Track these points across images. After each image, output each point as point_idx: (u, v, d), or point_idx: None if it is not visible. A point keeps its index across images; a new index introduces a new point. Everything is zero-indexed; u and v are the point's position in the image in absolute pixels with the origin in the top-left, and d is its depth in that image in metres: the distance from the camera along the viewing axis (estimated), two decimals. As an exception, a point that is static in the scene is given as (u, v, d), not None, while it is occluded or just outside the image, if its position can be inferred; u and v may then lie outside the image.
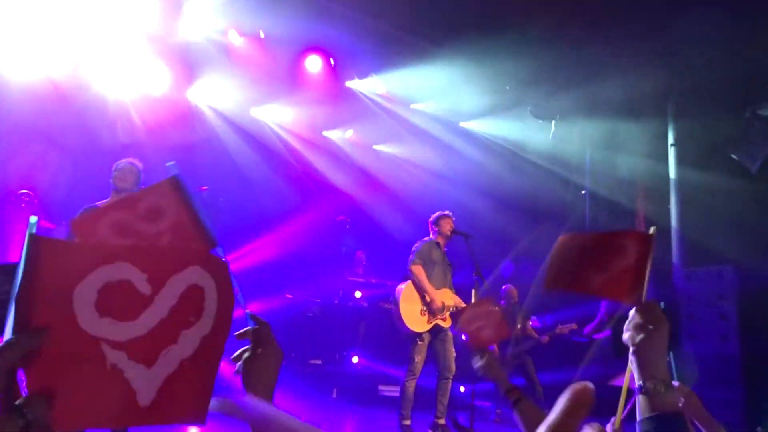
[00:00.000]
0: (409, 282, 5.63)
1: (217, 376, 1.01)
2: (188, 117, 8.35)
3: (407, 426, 5.49)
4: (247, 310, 1.23)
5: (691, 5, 6.52)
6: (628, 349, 1.48)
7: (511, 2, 7.20)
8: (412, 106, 9.72)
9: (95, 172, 5.64)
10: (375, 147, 10.49)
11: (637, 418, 1.27)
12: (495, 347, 3.07)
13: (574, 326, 7.61)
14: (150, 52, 7.46)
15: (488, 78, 8.25)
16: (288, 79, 8.59)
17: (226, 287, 1.07)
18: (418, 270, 5.58)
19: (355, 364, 8.41)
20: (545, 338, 7.73)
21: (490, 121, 9.84)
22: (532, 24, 7.07)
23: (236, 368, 1.19)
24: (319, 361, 8.50)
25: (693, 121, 8.28)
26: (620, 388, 1.55)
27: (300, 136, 9.60)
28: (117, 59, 7.29)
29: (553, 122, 9.52)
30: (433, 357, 5.64)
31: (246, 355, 1.20)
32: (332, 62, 8.71)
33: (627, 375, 1.55)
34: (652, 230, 1.47)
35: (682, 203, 8.72)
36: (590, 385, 0.68)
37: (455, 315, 5.54)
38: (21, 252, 0.85)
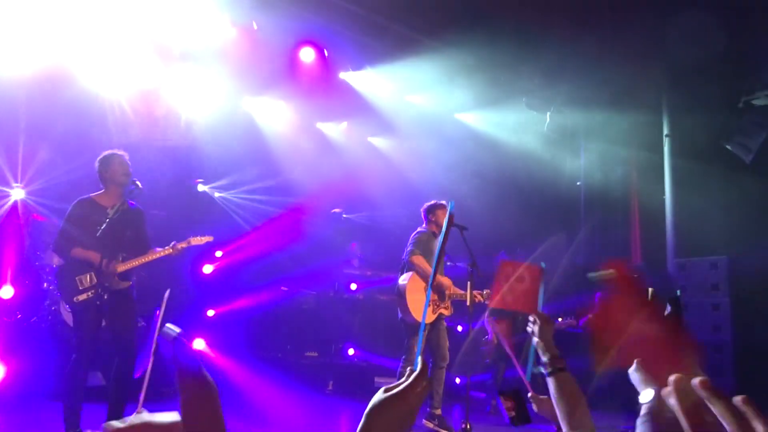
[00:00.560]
0: (412, 273, 5.60)
1: None
2: (179, 107, 8.29)
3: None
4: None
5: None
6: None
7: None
8: (406, 97, 9.69)
9: (84, 163, 5.60)
10: (369, 139, 10.46)
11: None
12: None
13: (574, 323, 7.66)
14: (142, 45, 7.39)
15: (483, 69, 8.23)
16: (281, 70, 8.53)
17: None
18: (419, 260, 5.57)
19: (351, 356, 8.43)
20: None
21: (485, 112, 9.82)
22: (527, 15, 7.04)
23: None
24: (314, 354, 8.51)
25: (687, 112, 8.28)
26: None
27: (293, 128, 9.55)
28: (106, 51, 7.22)
29: (548, 114, 9.52)
30: (428, 346, 5.65)
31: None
32: (326, 54, 8.66)
33: None
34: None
35: (676, 194, 8.74)
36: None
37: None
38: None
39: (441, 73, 8.57)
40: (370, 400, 1.15)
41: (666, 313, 1.91)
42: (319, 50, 8.62)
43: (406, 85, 9.29)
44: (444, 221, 5.75)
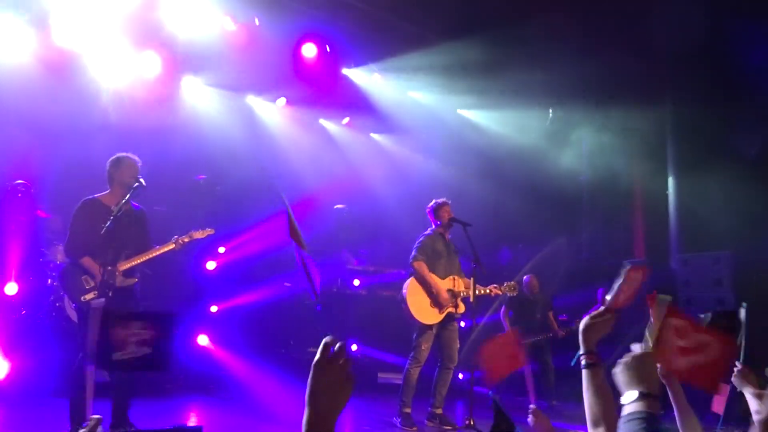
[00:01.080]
0: (411, 278, 5.66)
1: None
2: (182, 104, 8.29)
3: (407, 414, 5.49)
4: None
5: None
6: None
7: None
8: (409, 93, 9.67)
9: (88, 160, 5.61)
10: (372, 135, 10.44)
11: None
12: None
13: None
14: (144, 38, 7.39)
15: (485, 65, 8.20)
16: (284, 66, 8.52)
17: None
18: (419, 266, 5.61)
19: (354, 351, 8.43)
20: (561, 333, 7.86)
21: (487, 108, 9.80)
22: (528, 9, 7.02)
23: None
24: (317, 349, 8.50)
25: (691, 106, 8.25)
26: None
27: (296, 124, 9.54)
28: (109, 45, 7.22)
29: (550, 108, 9.49)
30: (437, 346, 5.65)
31: None
32: (328, 49, 8.64)
33: None
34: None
35: (679, 188, 8.72)
36: None
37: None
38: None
39: (443, 69, 8.55)
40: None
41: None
42: (321, 46, 8.61)
43: (409, 80, 9.27)
44: (447, 218, 5.77)
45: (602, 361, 1.84)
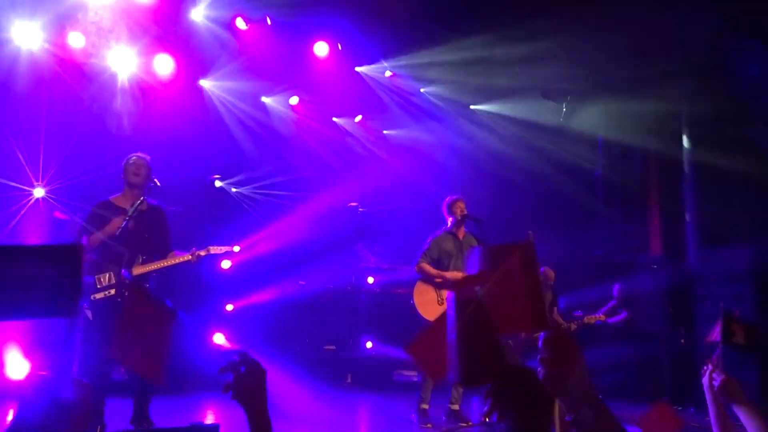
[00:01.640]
0: (418, 281, 5.75)
1: None
2: (196, 104, 8.34)
3: (425, 410, 5.50)
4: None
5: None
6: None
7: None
8: (422, 89, 9.65)
9: (104, 161, 5.67)
10: (385, 132, 10.44)
11: None
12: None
13: (602, 317, 7.60)
14: (157, 40, 7.44)
15: (499, 60, 8.16)
16: (296, 65, 8.54)
17: None
18: (420, 269, 5.70)
19: (369, 349, 8.45)
20: (573, 326, 7.79)
21: (501, 103, 9.75)
22: (543, 5, 6.98)
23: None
24: (332, 347, 8.54)
25: (707, 99, 8.14)
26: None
27: (309, 122, 9.56)
28: (123, 46, 7.27)
29: (564, 104, 9.42)
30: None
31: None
32: (339, 47, 8.65)
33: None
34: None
35: (696, 183, 8.61)
36: None
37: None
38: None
39: (456, 65, 8.52)
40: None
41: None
42: (333, 44, 8.62)
43: (422, 77, 9.25)
44: (460, 214, 5.76)
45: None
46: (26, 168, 6.77)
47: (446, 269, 5.64)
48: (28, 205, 6.75)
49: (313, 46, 8.54)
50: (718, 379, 2.20)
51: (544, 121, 9.60)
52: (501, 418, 1.62)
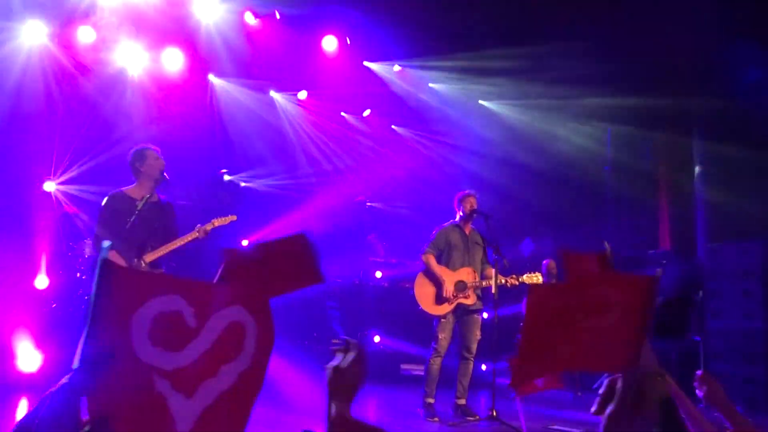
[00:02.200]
0: (420, 273, 5.76)
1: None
2: (205, 99, 8.37)
3: (430, 404, 5.53)
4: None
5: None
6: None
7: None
8: (431, 84, 9.63)
9: (113, 154, 5.70)
10: (393, 127, 10.43)
11: None
12: None
13: None
14: (167, 34, 7.47)
15: (508, 55, 8.14)
16: (305, 59, 8.55)
17: (266, 327, 1.15)
18: (426, 259, 5.70)
19: (377, 343, 8.47)
20: None
21: (510, 98, 9.72)
22: (553, 7, 6.95)
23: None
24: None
25: (718, 92, 8.08)
26: None
27: (318, 117, 9.57)
28: (131, 41, 7.31)
29: (575, 98, 9.36)
30: (456, 336, 5.67)
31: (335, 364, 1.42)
32: (348, 41, 8.65)
33: None
34: (657, 272, 1.48)
35: (707, 177, 8.55)
36: None
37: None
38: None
39: (465, 60, 8.50)
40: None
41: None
42: (342, 39, 8.62)
43: (430, 72, 9.24)
44: (469, 209, 5.76)
45: None
46: (37, 162, 6.83)
47: (450, 261, 5.64)
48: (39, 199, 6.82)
49: (321, 40, 8.55)
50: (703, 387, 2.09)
51: (553, 116, 9.57)
52: (613, 417, 1.50)
